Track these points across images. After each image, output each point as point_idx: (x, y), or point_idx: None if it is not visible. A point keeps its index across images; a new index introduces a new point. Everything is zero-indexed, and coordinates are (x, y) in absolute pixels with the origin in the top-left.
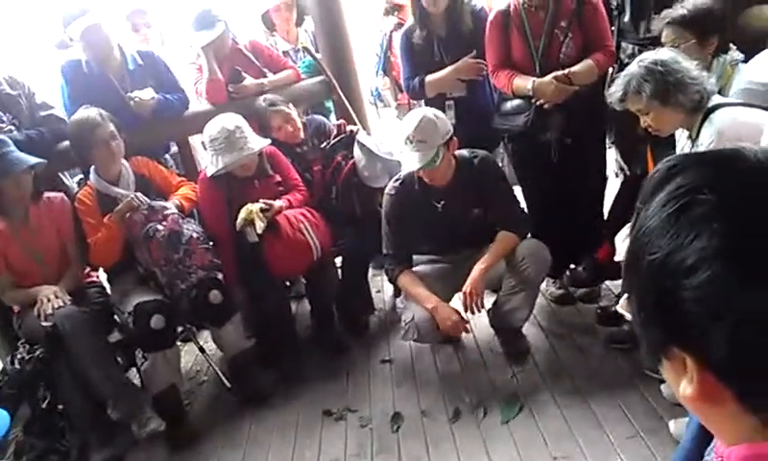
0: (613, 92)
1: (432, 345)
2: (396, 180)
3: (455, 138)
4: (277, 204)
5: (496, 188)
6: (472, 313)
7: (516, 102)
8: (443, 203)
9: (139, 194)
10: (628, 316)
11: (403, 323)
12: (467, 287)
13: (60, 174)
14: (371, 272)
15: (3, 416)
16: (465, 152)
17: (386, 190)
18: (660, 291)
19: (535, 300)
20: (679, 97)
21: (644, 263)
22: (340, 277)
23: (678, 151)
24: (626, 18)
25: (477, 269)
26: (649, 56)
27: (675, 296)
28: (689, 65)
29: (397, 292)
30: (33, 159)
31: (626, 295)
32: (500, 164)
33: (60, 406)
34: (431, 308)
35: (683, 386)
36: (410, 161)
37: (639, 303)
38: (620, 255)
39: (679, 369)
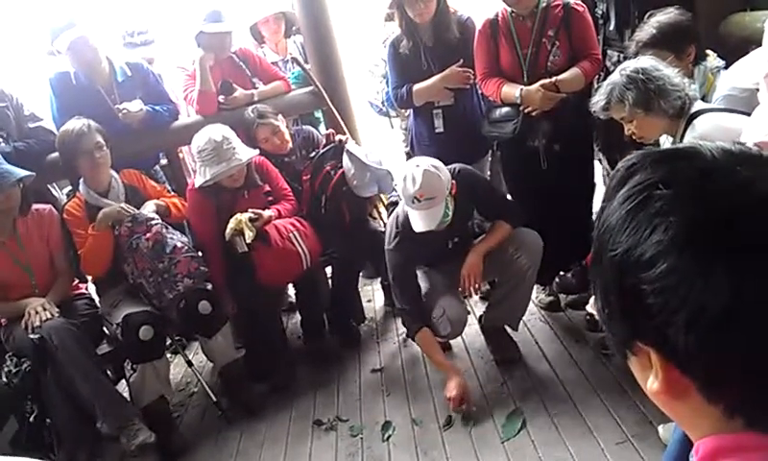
0: (597, 102)
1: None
2: (396, 234)
3: (453, 182)
4: (267, 213)
5: (482, 193)
6: (470, 296)
7: (505, 109)
8: (456, 240)
9: (125, 205)
10: (596, 316)
11: (434, 319)
12: (464, 270)
13: (49, 186)
14: (361, 281)
15: None
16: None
17: (386, 246)
18: (622, 286)
19: (531, 288)
20: (661, 104)
21: (606, 259)
22: (330, 286)
23: None
24: (611, 27)
25: (473, 253)
26: (630, 64)
27: (636, 290)
28: (670, 72)
29: (389, 302)
30: (22, 172)
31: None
32: (487, 173)
33: (48, 420)
34: (447, 375)
35: (649, 381)
36: (422, 221)
37: (604, 300)
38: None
39: (645, 364)
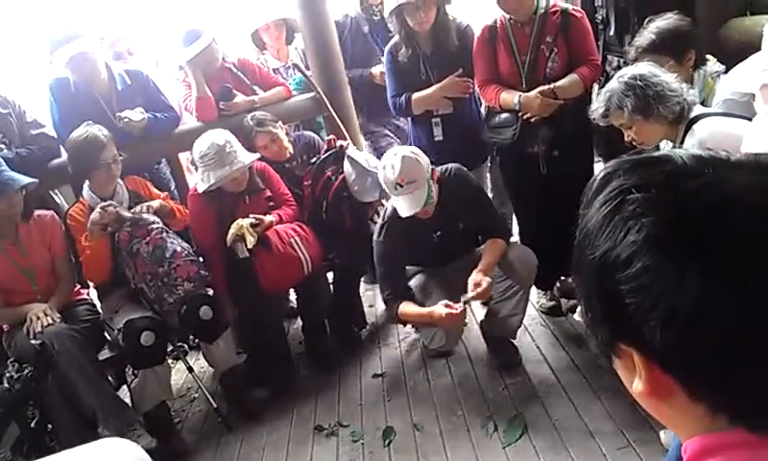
0: (596, 109)
1: (424, 358)
2: (383, 225)
3: (434, 168)
4: (268, 219)
5: (475, 197)
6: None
7: (504, 115)
8: (439, 233)
9: (111, 202)
10: (583, 321)
11: (428, 330)
12: (478, 277)
13: (51, 192)
14: (362, 286)
15: None
16: (437, 171)
17: (374, 237)
18: (601, 289)
19: (526, 304)
20: (660, 109)
21: (586, 264)
22: (332, 291)
23: None
24: (611, 32)
25: (481, 272)
26: (628, 71)
27: (614, 291)
28: (668, 78)
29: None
30: (25, 179)
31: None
32: (486, 180)
33: (50, 425)
34: (428, 314)
35: (635, 383)
36: (406, 206)
37: (586, 304)
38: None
39: (629, 366)
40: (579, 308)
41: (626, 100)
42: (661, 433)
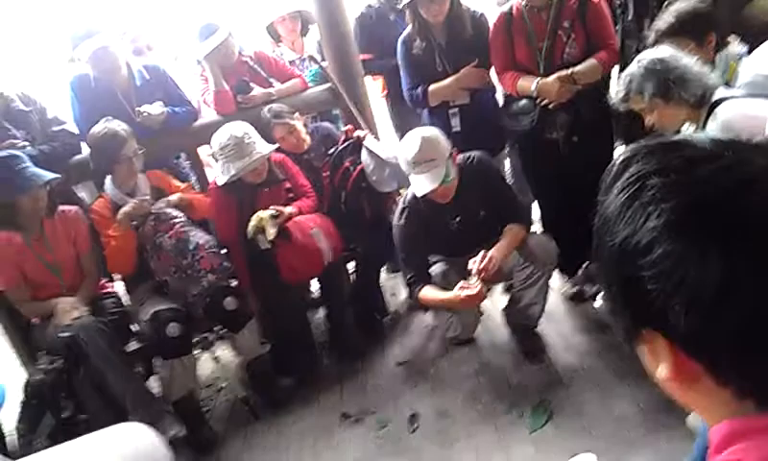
0: (616, 93)
1: (447, 346)
2: (403, 209)
3: (455, 150)
4: (288, 210)
5: (496, 185)
6: (484, 275)
7: (522, 102)
8: (458, 219)
9: (138, 199)
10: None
11: (443, 320)
12: (483, 256)
13: (74, 187)
14: (384, 275)
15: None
16: (459, 158)
17: (394, 221)
18: (623, 275)
19: (547, 293)
20: (681, 93)
21: (606, 251)
22: (353, 281)
23: None
24: (629, 17)
25: (496, 250)
26: (648, 54)
27: (636, 278)
28: (690, 61)
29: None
30: (49, 175)
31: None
32: (506, 169)
33: (83, 415)
34: (447, 300)
35: (660, 369)
36: (423, 184)
37: (608, 291)
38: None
39: (653, 351)
40: (602, 295)
41: (646, 84)
42: (689, 418)
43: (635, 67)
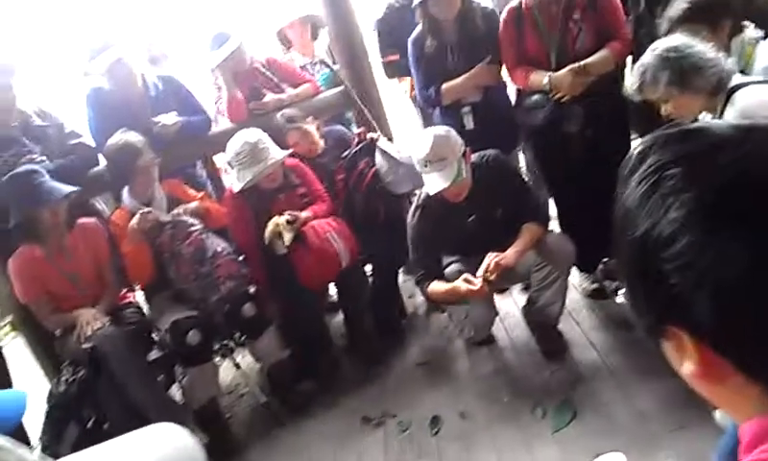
0: (630, 84)
1: (467, 347)
2: (417, 208)
3: (468, 149)
4: (303, 215)
5: (513, 183)
6: (488, 276)
7: (535, 97)
8: (472, 218)
9: (148, 210)
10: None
11: (457, 321)
12: (495, 256)
13: (92, 199)
14: (401, 277)
15: (20, 395)
16: (474, 157)
17: (408, 219)
18: (644, 269)
19: (566, 291)
20: (696, 81)
21: (626, 244)
22: (370, 284)
23: None
24: (641, 6)
25: (510, 251)
26: (662, 43)
27: (658, 271)
28: (704, 48)
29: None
30: (68, 188)
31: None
32: (521, 165)
33: (105, 425)
34: (452, 289)
35: (685, 366)
36: (436, 183)
37: (629, 286)
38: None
39: (678, 348)
40: (623, 290)
41: (660, 73)
42: (716, 413)
43: (649, 57)
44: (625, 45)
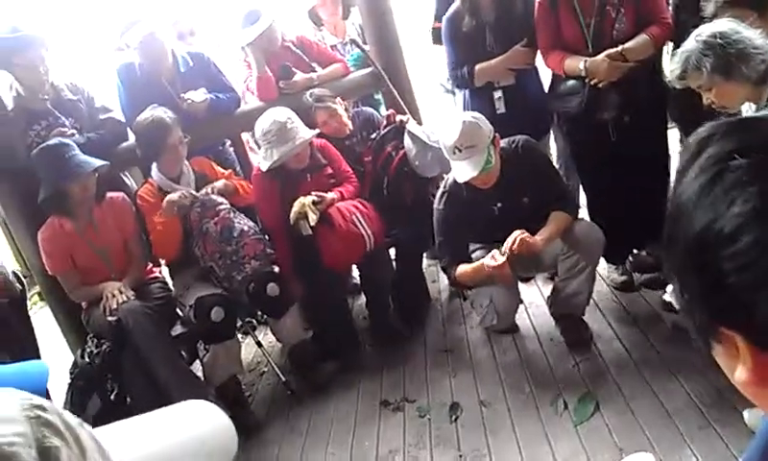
0: (672, 70)
1: (489, 335)
2: (443, 193)
3: (498, 136)
4: (329, 196)
5: (543, 170)
6: (510, 252)
7: (570, 83)
8: (499, 205)
9: (186, 190)
10: (676, 305)
11: (480, 308)
12: (522, 232)
13: (121, 173)
14: (425, 262)
15: (41, 365)
16: (503, 143)
17: (434, 204)
18: (701, 267)
19: (593, 282)
20: (742, 69)
21: (681, 240)
22: (394, 267)
23: None
24: None
25: (538, 236)
26: (707, 29)
27: (716, 270)
28: (751, 34)
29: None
30: (97, 162)
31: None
32: (550, 152)
33: (128, 398)
34: (480, 266)
35: (738, 371)
36: (464, 170)
37: (682, 285)
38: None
39: (731, 352)
40: (670, 288)
41: (705, 60)
42: (745, 413)
43: (692, 42)
44: (665, 30)
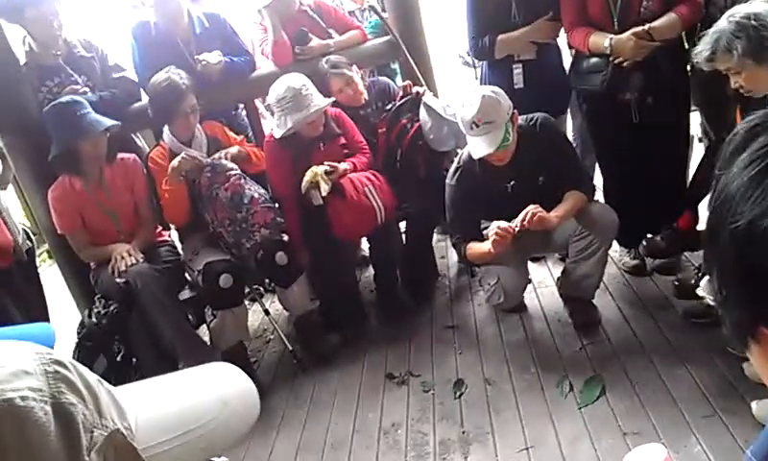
0: (701, 51)
1: (497, 313)
2: (457, 169)
3: (516, 113)
4: (342, 166)
5: (560, 150)
6: (520, 226)
7: (593, 60)
8: (512, 183)
9: (191, 152)
10: (710, 299)
11: (487, 286)
12: (536, 207)
13: (133, 135)
14: (435, 237)
15: (47, 328)
16: (521, 120)
17: (447, 180)
18: (745, 263)
19: (605, 266)
20: None
21: (725, 234)
22: (404, 241)
23: None
24: None
25: (552, 213)
26: (741, 9)
27: (762, 267)
28: None
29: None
30: (109, 121)
31: (707, 276)
32: (569, 131)
33: (134, 359)
34: (489, 250)
35: None
36: (481, 147)
37: (722, 280)
38: (705, 224)
39: None
40: (704, 283)
41: (736, 42)
42: (753, 404)
43: (724, 23)
44: (695, 10)
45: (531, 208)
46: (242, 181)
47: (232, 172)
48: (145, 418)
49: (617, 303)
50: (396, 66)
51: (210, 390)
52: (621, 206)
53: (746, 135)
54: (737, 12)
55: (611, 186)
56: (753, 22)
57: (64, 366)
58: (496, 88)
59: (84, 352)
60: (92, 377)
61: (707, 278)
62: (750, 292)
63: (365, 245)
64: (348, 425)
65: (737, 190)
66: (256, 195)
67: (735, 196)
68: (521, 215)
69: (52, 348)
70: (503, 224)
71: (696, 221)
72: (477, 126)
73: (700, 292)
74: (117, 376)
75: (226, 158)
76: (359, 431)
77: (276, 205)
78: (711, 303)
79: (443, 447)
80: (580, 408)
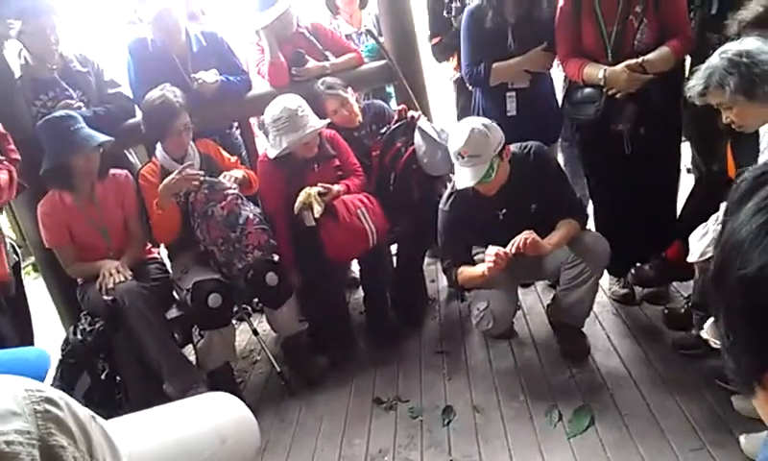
0: (694, 86)
1: (486, 339)
2: (450, 194)
3: (508, 146)
4: (335, 188)
5: (553, 179)
6: (515, 250)
7: (587, 90)
8: (504, 211)
9: (189, 170)
10: (715, 343)
11: (477, 311)
12: (530, 233)
13: (126, 151)
14: (426, 261)
15: (42, 353)
16: (515, 148)
17: (440, 205)
18: (754, 309)
19: (595, 294)
20: (766, 90)
21: (734, 279)
22: (395, 264)
23: (762, 148)
24: (713, 10)
25: (545, 240)
26: (732, 46)
27: None
28: None
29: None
30: (102, 137)
31: (711, 319)
32: (560, 159)
33: (118, 378)
34: (482, 271)
35: None
36: (464, 178)
37: (729, 325)
38: (694, 256)
39: None
40: (707, 325)
41: (728, 78)
42: (742, 438)
43: (717, 59)
44: (686, 44)
45: (525, 234)
46: (239, 200)
47: (229, 191)
48: (139, 451)
49: (606, 332)
50: (390, 89)
51: (207, 423)
52: (612, 234)
53: (753, 183)
54: (729, 48)
55: (601, 215)
56: (744, 60)
57: (56, 404)
58: (487, 121)
59: (68, 370)
60: (85, 415)
61: (711, 320)
62: (758, 338)
63: (355, 266)
64: (335, 452)
65: (746, 238)
66: (251, 216)
67: (744, 243)
68: (516, 239)
69: (47, 371)
70: (501, 250)
71: (685, 252)
72: (463, 157)
73: (704, 335)
74: (101, 394)
75: (230, 181)
76: (345, 457)
77: (268, 224)
78: (701, 335)
79: None
80: (569, 438)
